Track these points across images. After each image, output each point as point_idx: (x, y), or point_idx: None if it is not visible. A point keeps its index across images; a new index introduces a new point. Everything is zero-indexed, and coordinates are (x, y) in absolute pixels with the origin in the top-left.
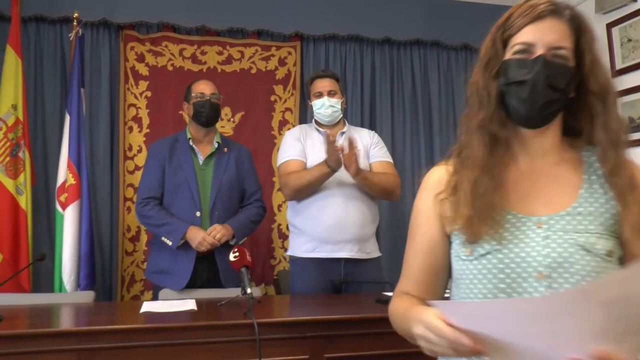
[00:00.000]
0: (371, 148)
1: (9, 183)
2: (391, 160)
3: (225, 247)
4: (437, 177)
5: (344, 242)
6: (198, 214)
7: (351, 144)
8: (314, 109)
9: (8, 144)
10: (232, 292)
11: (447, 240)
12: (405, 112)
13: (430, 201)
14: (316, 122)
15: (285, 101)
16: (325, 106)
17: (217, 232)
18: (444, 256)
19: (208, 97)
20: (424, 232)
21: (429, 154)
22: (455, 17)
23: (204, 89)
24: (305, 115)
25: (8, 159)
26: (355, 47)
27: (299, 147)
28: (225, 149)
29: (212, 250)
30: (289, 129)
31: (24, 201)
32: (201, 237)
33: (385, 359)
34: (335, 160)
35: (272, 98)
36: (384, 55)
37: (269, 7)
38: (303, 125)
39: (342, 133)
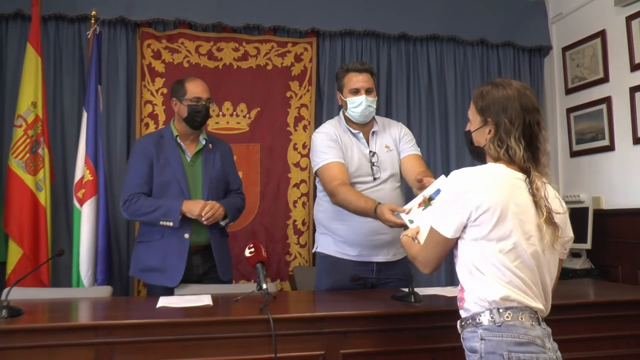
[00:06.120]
0: (401, 142)
1: (28, 179)
2: (419, 153)
3: (219, 234)
4: None
5: (379, 247)
6: None
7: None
8: (348, 105)
9: (28, 141)
10: (247, 288)
11: None
12: (421, 108)
13: None
14: (346, 118)
15: (300, 97)
16: (363, 106)
17: (215, 204)
18: None
19: (204, 102)
20: None
21: (445, 151)
22: (471, 12)
23: (201, 93)
24: (321, 112)
25: (28, 155)
26: (372, 43)
27: (338, 148)
28: (211, 146)
29: (208, 243)
30: (304, 125)
31: (43, 197)
32: (201, 205)
33: (402, 355)
34: (388, 225)
35: (288, 94)
36: (400, 51)
37: (285, 3)
38: (332, 122)
39: (374, 132)
